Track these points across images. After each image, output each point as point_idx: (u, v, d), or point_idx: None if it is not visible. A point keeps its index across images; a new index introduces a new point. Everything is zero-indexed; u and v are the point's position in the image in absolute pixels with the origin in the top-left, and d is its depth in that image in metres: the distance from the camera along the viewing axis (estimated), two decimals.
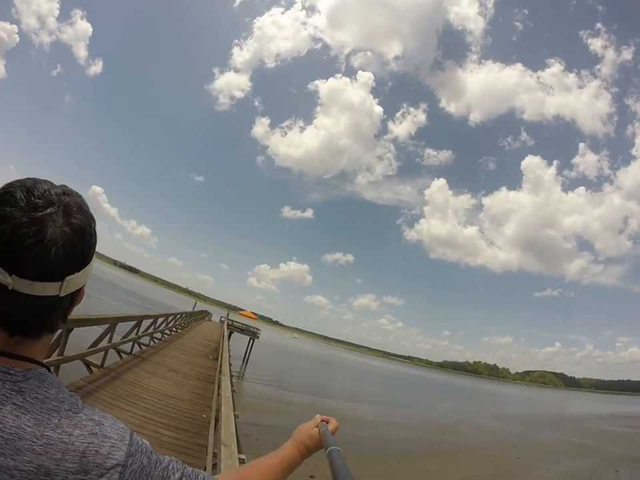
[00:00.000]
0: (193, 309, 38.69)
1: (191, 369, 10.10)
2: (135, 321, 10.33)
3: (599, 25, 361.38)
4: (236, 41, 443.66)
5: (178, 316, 19.06)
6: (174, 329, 17.35)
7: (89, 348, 7.56)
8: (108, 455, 0.70)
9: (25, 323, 0.73)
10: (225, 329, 19.61)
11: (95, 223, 0.81)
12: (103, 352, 7.90)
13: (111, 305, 40.64)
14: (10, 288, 0.68)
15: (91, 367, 7.33)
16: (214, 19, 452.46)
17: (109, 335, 8.05)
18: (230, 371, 7.82)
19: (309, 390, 31.83)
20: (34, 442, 0.66)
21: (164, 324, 14.57)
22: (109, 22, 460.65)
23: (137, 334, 10.16)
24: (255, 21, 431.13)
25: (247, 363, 35.56)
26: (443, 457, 17.13)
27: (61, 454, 0.67)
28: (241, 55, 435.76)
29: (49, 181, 0.77)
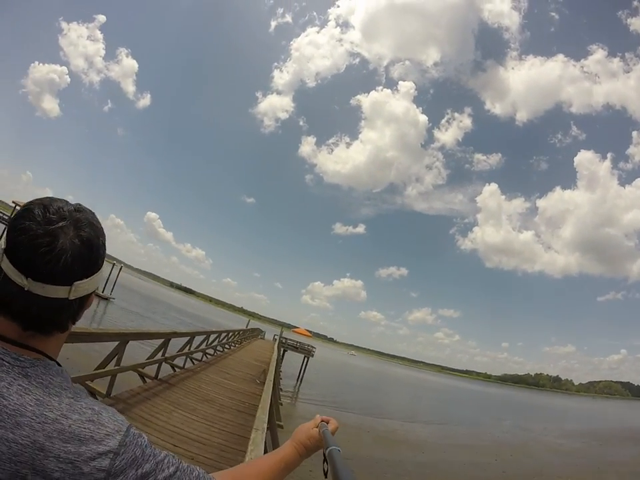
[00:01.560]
0: (247, 327, 38.00)
1: (230, 398, 8.76)
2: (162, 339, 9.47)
3: (636, 3, 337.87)
4: (275, 63, 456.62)
5: (226, 334, 17.94)
6: (219, 347, 16.27)
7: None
8: (101, 441, 0.75)
9: (37, 319, 0.81)
10: (276, 348, 18.29)
11: (104, 237, 0.90)
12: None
13: (162, 324, 40.64)
14: (26, 289, 0.79)
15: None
16: (252, 45, 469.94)
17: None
18: (276, 389, 6.73)
19: (365, 410, 30.31)
20: (33, 419, 0.73)
21: (204, 343, 13.39)
22: (153, 56, 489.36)
23: (163, 354, 9.12)
24: (291, 42, 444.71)
25: (301, 382, 34.64)
26: None
27: (57, 433, 0.73)
28: (281, 77, 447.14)
29: (64, 200, 0.88)
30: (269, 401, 5.97)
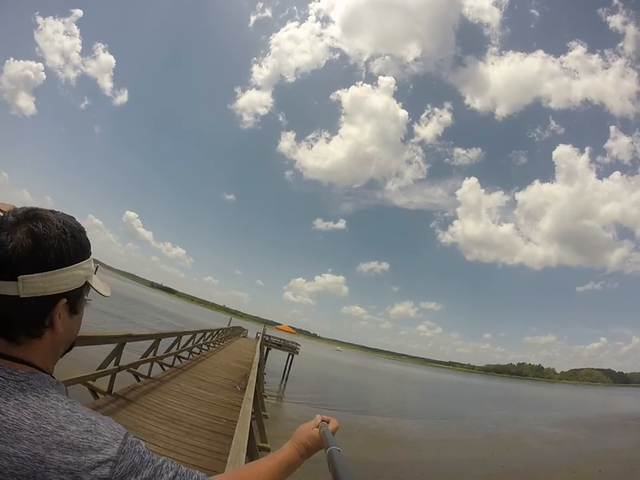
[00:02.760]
0: (228, 325, 36.45)
1: (204, 415, 6.94)
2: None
3: (615, 1, 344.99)
4: (255, 58, 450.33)
5: (202, 334, 16.12)
6: (195, 349, 14.77)
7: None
8: (100, 450, 0.75)
9: None
10: (258, 347, 16.75)
11: (68, 235, 0.87)
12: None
13: (139, 325, 38.96)
14: None
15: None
16: (231, 40, 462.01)
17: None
18: (259, 397, 5.78)
19: (354, 407, 29.32)
20: (32, 432, 0.72)
21: (176, 345, 11.64)
22: (130, 52, 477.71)
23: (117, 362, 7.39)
24: (271, 37, 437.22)
25: (286, 380, 33.64)
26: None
27: (56, 445, 0.72)
28: (260, 72, 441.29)
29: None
30: (249, 419, 4.60)
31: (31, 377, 0.80)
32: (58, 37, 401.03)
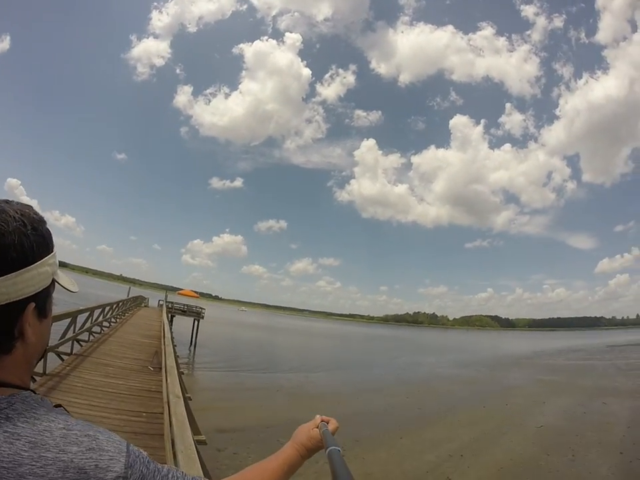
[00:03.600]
0: (128, 295, 33.78)
1: (119, 412, 5.82)
2: None
3: None
4: (155, 3, 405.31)
5: (101, 310, 13.95)
6: (95, 328, 13.00)
7: None
8: (107, 468, 0.70)
9: None
10: (165, 315, 15.36)
11: (29, 228, 0.77)
12: None
13: None
14: None
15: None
16: None
17: None
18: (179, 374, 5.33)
19: (268, 367, 29.26)
20: (33, 465, 0.65)
21: (71, 329, 9.75)
22: None
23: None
24: None
25: (195, 347, 32.43)
26: (438, 420, 15.92)
27: (62, 472, 0.66)
28: (160, 19, 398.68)
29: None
30: (183, 406, 3.77)
31: (13, 401, 0.71)
32: None
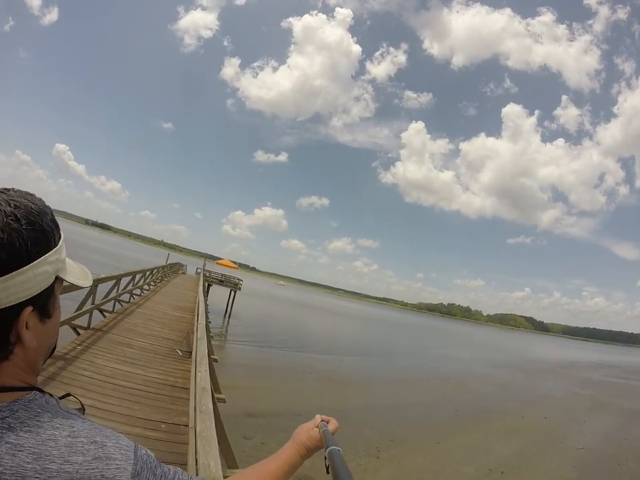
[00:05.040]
0: (166, 261, 33.45)
1: (129, 421, 4.38)
2: None
3: None
4: None
5: (131, 278, 12.99)
6: (126, 295, 12.13)
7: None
8: (114, 478, 0.66)
9: None
10: (201, 289, 14.22)
11: (22, 223, 0.67)
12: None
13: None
14: None
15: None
16: None
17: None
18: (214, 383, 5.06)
19: (300, 345, 28.60)
20: (37, 477, 0.61)
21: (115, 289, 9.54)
22: None
23: None
24: None
25: (229, 318, 32.02)
26: (475, 426, 15.02)
27: None
28: None
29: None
30: (213, 420, 2.59)
31: (16, 408, 0.66)
32: None
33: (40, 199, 0.74)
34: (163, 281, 23.03)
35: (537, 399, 23.07)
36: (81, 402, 0.84)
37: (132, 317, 10.12)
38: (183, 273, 39.60)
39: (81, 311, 7.51)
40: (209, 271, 37.00)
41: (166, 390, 5.62)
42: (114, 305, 10.31)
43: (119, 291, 10.69)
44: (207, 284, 30.95)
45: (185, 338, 8.17)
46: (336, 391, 16.51)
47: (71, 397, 0.82)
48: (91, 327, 7.75)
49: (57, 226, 0.75)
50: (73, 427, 0.67)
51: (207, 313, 11.33)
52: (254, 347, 23.63)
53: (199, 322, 7.15)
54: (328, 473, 0.87)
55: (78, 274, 0.82)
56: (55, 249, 0.73)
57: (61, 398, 0.79)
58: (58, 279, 0.74)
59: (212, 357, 6.46)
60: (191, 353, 7.03)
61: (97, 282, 7.86)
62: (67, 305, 7.39)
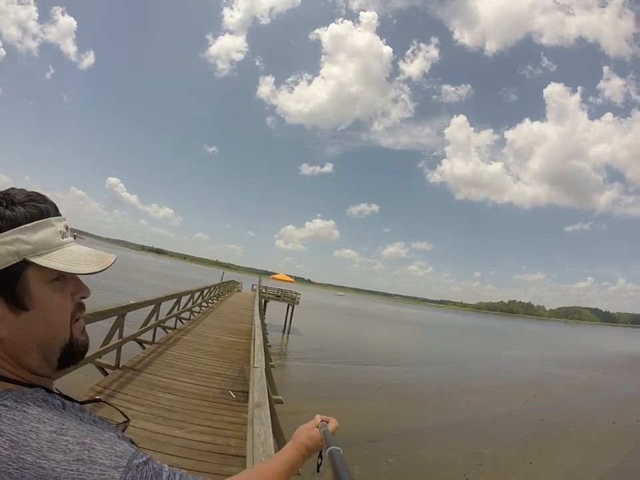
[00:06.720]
0: (221, 280, 32.68)
1: None
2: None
3: None
4: (224, 1, 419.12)
5: (187, 298, 12.08)
6: (172, 320, 10.93)
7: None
8: None
9: None
10: (257, 310, 12.67)
11: None
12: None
13: (132, 294, 35.32)
14: None
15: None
16: None
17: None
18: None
19: (363, 358, 27.31)
20: (9, 465, 0.58)
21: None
22: (91, 9, 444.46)
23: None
24: None
25: (288, 334, 31.25)
26: (566, 439, 13.64)
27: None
28: (232, 15, 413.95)
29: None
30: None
31: (5, 396, 0.64)
32: (12, 7, 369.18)
33: (21, 190, 0.72)
34: (216, 301, 21.91)
35: (623, 399, 21.61)
36: (122, 412, 0.81)
37: (176, 347, 8.68)
38: (238, 291, 38.97)
39: (106, 346, 6.04)
40: (265, 287, 36.61)
41: (213, 460, 3.94)
42: (153, 335, 8.84)
43: (157, 319, 9.28)
44: (263, 300, 30.28)
45: (239, 373, 6.52)
46: (409, 407, 15.43)
47: (100, 402, 0.79)
48: (120, 366, 6.30)
49: (36, 211, 0.70)
50: (62, 425, 0.62)
51: (265, 334, 9.80)
52: (316, 363, 22.59)
53: (256, 350, 5.45)
54: (318, 471, 0.90)
55: (75, 258, 0.73)
56: (16, 229, 0.67)
57: (83, 403, 0.77)
58: (32, 265, 0.68)
59: (274, 397, 4.76)
60: (246, 393, 5.39)
61: (121, 310, 6.40)
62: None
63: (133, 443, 0.74)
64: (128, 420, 0.83)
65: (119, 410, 0.80)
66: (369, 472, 8.75)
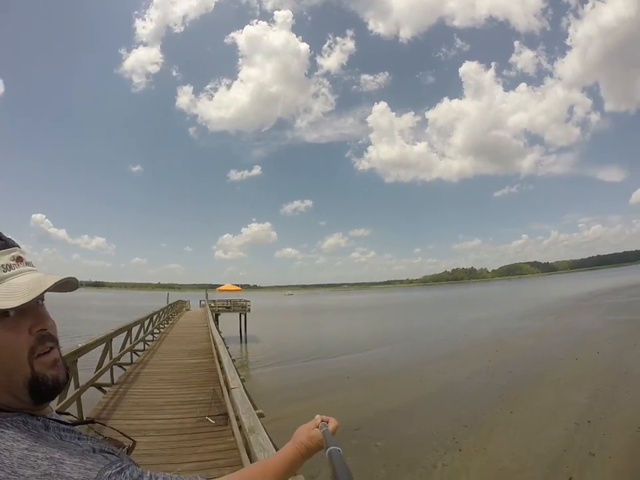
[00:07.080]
0: (167, 302, 31.40)
1: None
2: None
3: None
4: (136, 12, 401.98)
5: (137, 327, 11.44)
6: (135, 350, 10.41)
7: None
8: None
9: None
10: (211, 322, 12.26)
11: None
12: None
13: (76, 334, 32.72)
14: None
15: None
16: None
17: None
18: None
19: (327, 352, 26.82)
20: None
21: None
22: None
23: None
24: None
25: (246, 343, 30.79)
26: (538, 384, 14.55)
27: None
28: (144, 26, 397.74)
29: None
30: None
31: None
32: None
33: None
34: (168, 324, 21.01)
35: (579, 338, 23.00)
36: (127, 436, 0.83)
37: (138, 383, 8.13)
38: (187, 310, 37.85)
39: (65, 400, 5.49)
40: (214, 300, 36.20)
41: None
42: (111, 376, 8.26)
43: (111, 359, 8.64)
44: (214, 314, 29.53)
45: (212, 396, 6.16)
46: (382, 389, 15.53)
47: (94, 423, 0.78)
48: (84, 419, 5.65)
49: None
50: (35, 442, 0.64)
51: (224, 342, 9.50)
52: (281, 366, 22.32)
53: (222, 360, 5.17)
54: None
55: (11, 293, 0.72)
56: None
57: (75, 424, 0.77)
58: None
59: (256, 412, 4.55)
60: (225, 415, 5.12)
61: (72, 356, 5.87)
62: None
63: (136, 465, 0.71)
64: (133, 443, 0.84)
65: (119, 432, 0.79)
66: (362, 459, 8.81)
